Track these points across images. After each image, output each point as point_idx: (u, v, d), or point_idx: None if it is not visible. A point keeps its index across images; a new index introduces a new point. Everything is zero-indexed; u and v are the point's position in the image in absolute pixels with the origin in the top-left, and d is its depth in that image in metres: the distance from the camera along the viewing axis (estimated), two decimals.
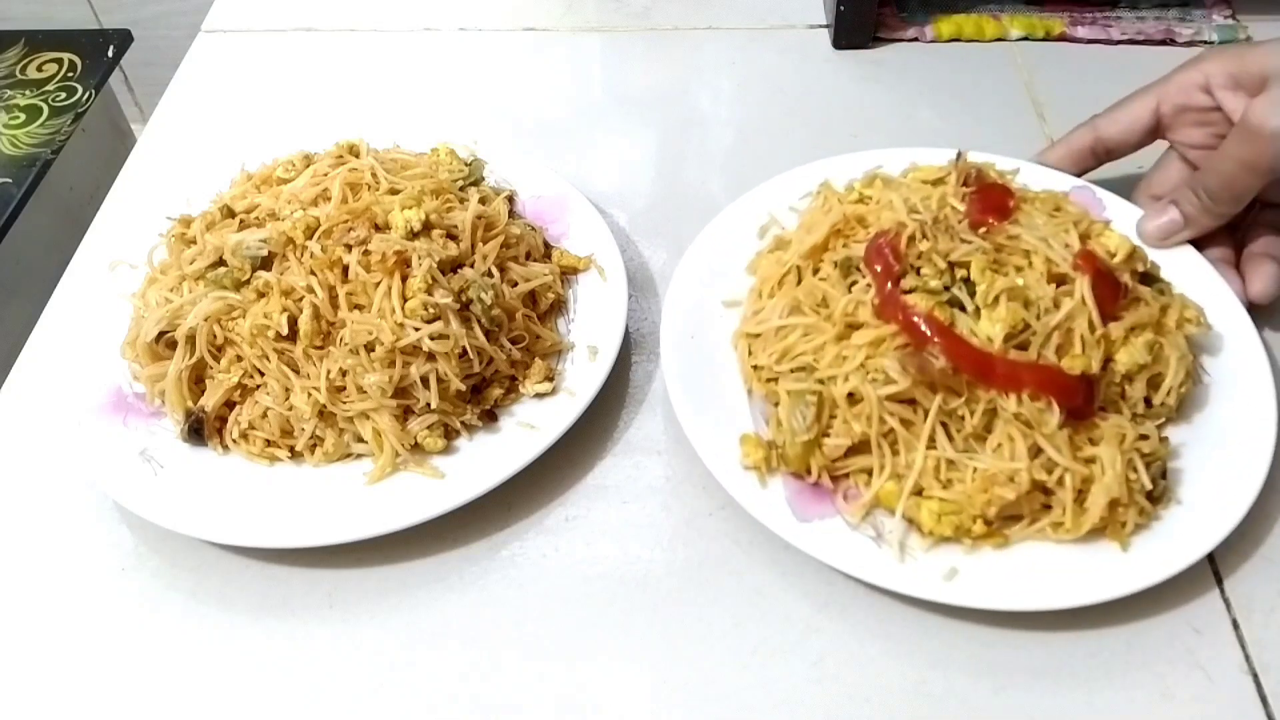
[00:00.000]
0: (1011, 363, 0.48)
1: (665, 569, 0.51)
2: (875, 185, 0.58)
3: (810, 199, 0.61)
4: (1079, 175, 0.61)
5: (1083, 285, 0.50)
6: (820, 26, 0.80)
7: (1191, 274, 0.57)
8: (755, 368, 0.54)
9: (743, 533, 0.51)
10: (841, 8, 0.76)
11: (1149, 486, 0.48)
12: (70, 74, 1.04)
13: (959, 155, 0.58)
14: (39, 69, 1.04)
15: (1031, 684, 0.46)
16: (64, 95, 1.01)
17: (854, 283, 0.52)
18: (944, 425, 0.49)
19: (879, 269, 0.51)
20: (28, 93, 1.02)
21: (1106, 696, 0.46)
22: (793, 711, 0.46)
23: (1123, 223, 0.59)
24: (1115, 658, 0.47)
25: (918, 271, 0.51)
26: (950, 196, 0.55)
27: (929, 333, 0.49)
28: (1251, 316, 0.55)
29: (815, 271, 0.55)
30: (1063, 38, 0.77)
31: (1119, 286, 0.51)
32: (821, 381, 0.50)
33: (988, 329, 0.49)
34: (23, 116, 0.99)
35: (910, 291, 0.50)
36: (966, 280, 0.50)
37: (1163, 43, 0.77)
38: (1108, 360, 0.50)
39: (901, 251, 0.51)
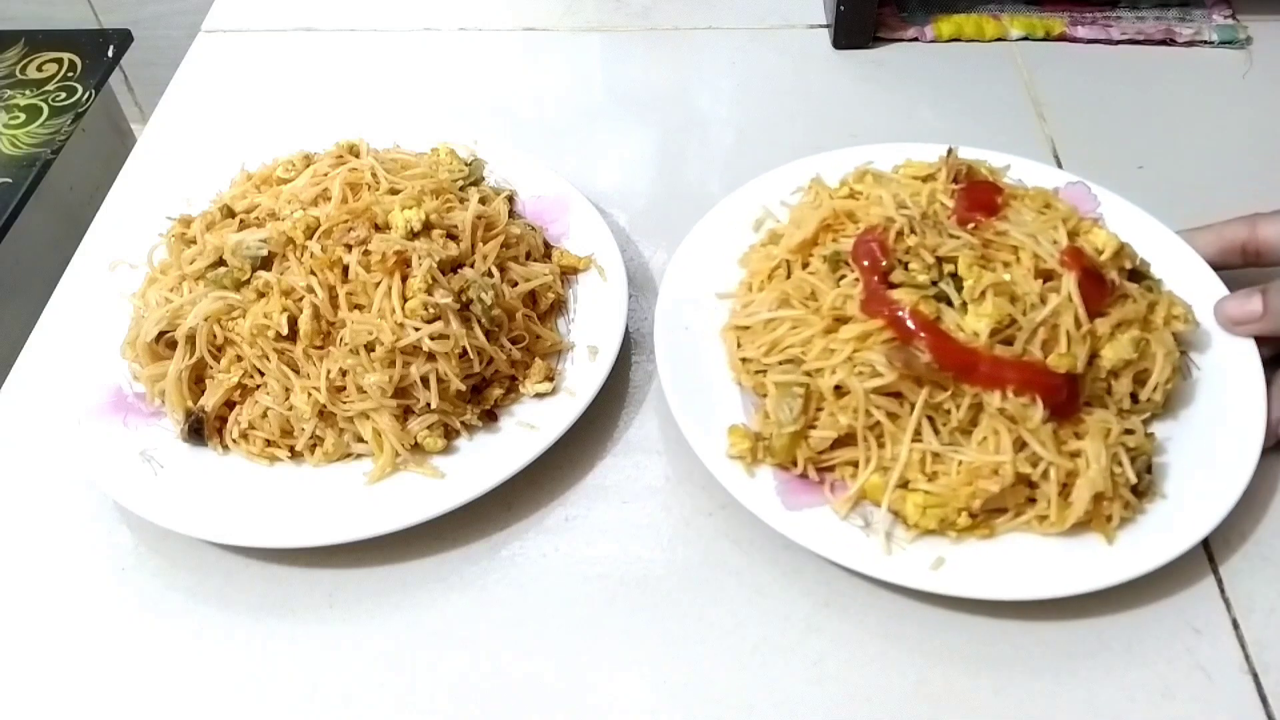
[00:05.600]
0: (995, 359, 0.48)
1: (665, 569, 0.51)
2: (866, 180, 0.58)
3: (802, 194, 0.61)
4: (1220, 269, 0.56)
5: (1069, 282, 0.50)
6: (820, 26, 0.80)
7: (1183, 271, 0.56)
8: (744, 360, 0.54)
9: (742, 532, 0.51)
10: (841, 8, 0.76)
11: (1134, 480, 0.48)
12: (70, 74, 1.04)
13: (949, 152, 0.58)
14: (39, 69, 1.04)
15: (1031, 684, 0.46)
16: (64, 95, 1.01)
17: (842, 277, 0.53)
18: (930, 419, 0.49)
19: (866, 264, 0.52)
20: (28, 93, 1.01)
21: (1106, 696, 0.46)
22: (793, 711, 0.46)
23: (1116, 219, 0.59)
24: (1115, 658, 0.47)
25: (905, 267, 0.51)
26: (939, 193, 0.55)
27: (914, 328, 0.49)
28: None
29: (805, 266, 0.55)
30: (1063, 38, 0.77)
31: (1105, 283, 0.51)
32: (809, 374, 0.51)
33: (974, 324, 0.49)
34: (23, 116, 0.99)
35: (897, 286, 0.50)
36: (954, 275, 0.50)
37: (1163, 43, 0.77)
38: (1093, 356, 0.50)
39: (889, 247, 0.51)
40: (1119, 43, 0.77)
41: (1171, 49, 0.76)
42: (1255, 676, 0.46)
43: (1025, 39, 0.78)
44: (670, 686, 0.47)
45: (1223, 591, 0.49)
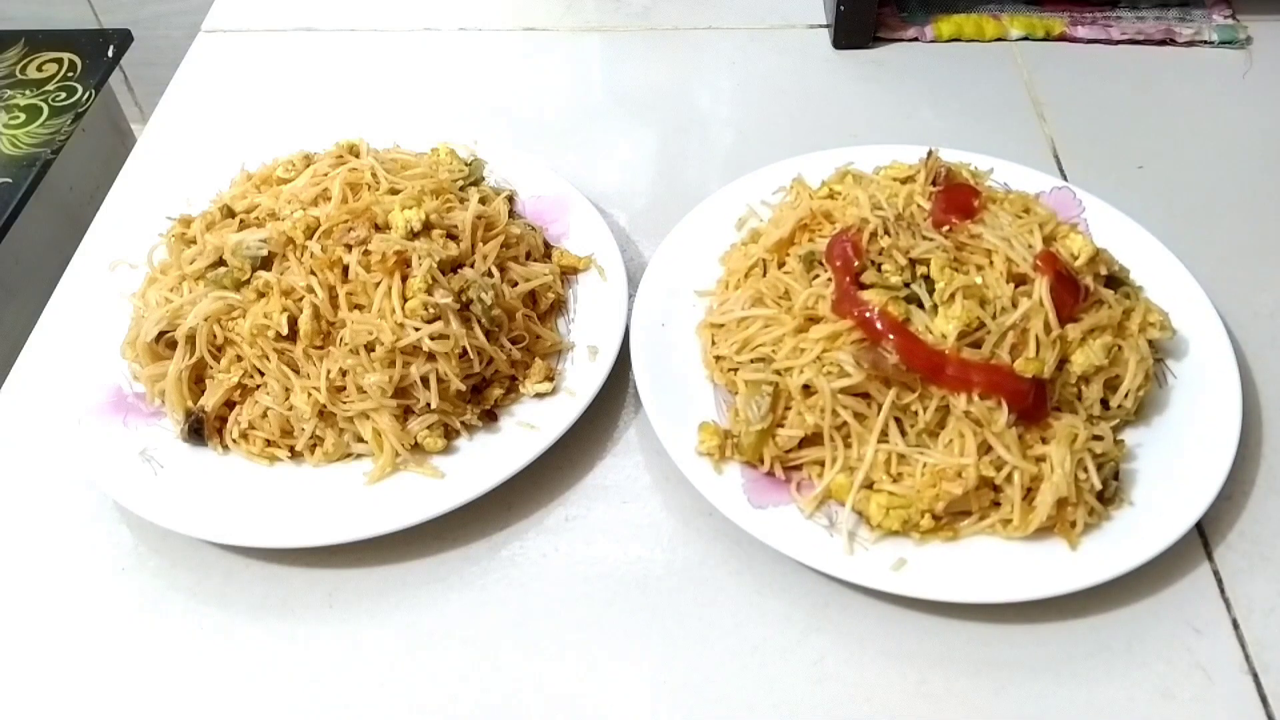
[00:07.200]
0: (962, 362, 0.48)
1: (665, 569, 0.51)
2: (846, 181, 0.58)
3: (784, 193, 0.61)
4: None
5: (1041, 286, 0.50)
6: (820, 26, 0.80)
7: (1165, 278, 0.56)
8: (717, 358, 0.54)
9: (742, 532, 0.51)
10: (841, 8, 0.76)
11: (1099, 487, 0.48)
12: (70, 74, 1.04)
13: (929, 154, 0.58)
14: (39, 69, 1.04)
15: (1032, 684, 0.46)
16: (64, 95, 1.01)
17: (816, 277, 0.53)
18: (897, 420, 0.49)
19: (839, 264, 0.52)
20: (28, 93, 1.01)
21: (1107, 696, 0.46)
22: (793, 711, 0.46)
23: (1101, 225, 0.59)
24: (1115, 658, 0.47)
25: (879, 268, 0.51)
26: (917, 195, 0.55)
27: (882, 329, 0.49)
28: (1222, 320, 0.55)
29: (781, 265, 0.55)
30: (1063, 37, 0.77)
31: (1079, 289, 0.51)
32: (778, 372, 0.51)
33: (942, 326, 0.49)
34: (23, 116, 0.99)
35: (869, 287, 0.50)
36: (926, 278, 0.51)
37: (1163, 43, 0.77)
38: (1064, 361, 0.50)
39: (862, 248, 0.52)
40: (1119, 43, 0.77)
41: (1171, 49, 0.76)
42: (1255, 676, 0.46)
43: (1025, 39, 0.78)
44: (670, 686, 0.47)
45: (1223, 591, 0.49)
